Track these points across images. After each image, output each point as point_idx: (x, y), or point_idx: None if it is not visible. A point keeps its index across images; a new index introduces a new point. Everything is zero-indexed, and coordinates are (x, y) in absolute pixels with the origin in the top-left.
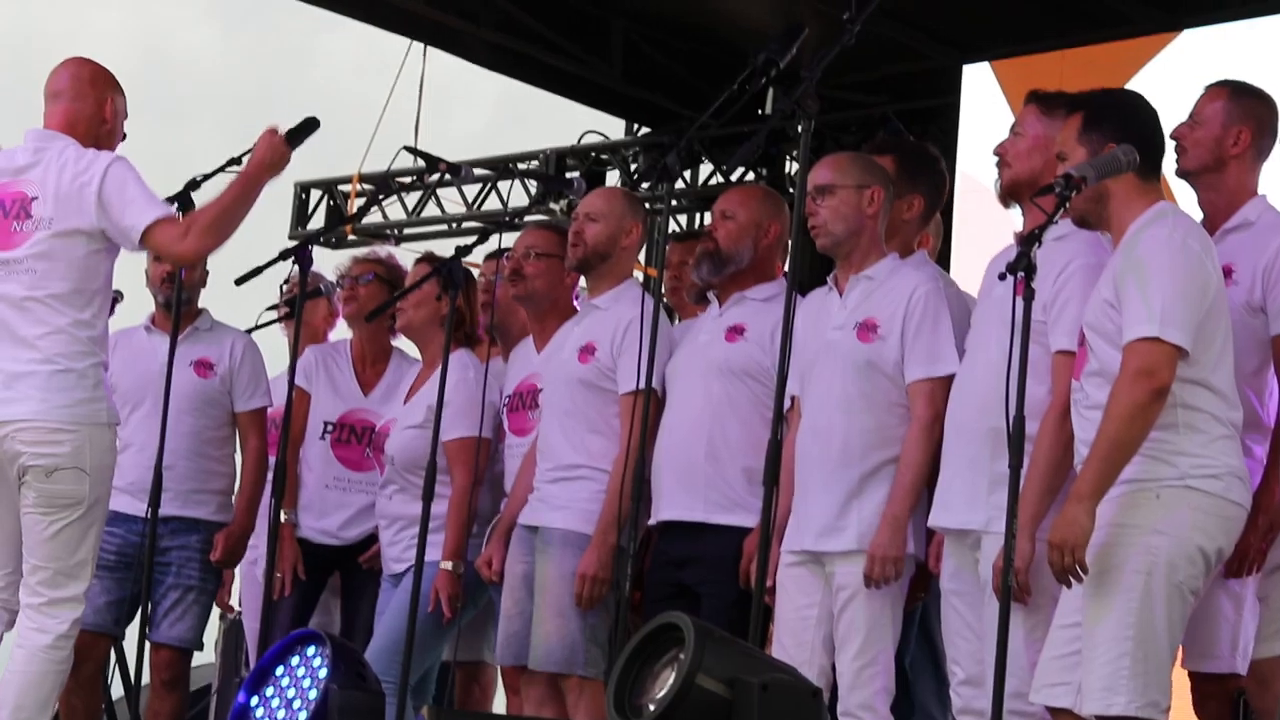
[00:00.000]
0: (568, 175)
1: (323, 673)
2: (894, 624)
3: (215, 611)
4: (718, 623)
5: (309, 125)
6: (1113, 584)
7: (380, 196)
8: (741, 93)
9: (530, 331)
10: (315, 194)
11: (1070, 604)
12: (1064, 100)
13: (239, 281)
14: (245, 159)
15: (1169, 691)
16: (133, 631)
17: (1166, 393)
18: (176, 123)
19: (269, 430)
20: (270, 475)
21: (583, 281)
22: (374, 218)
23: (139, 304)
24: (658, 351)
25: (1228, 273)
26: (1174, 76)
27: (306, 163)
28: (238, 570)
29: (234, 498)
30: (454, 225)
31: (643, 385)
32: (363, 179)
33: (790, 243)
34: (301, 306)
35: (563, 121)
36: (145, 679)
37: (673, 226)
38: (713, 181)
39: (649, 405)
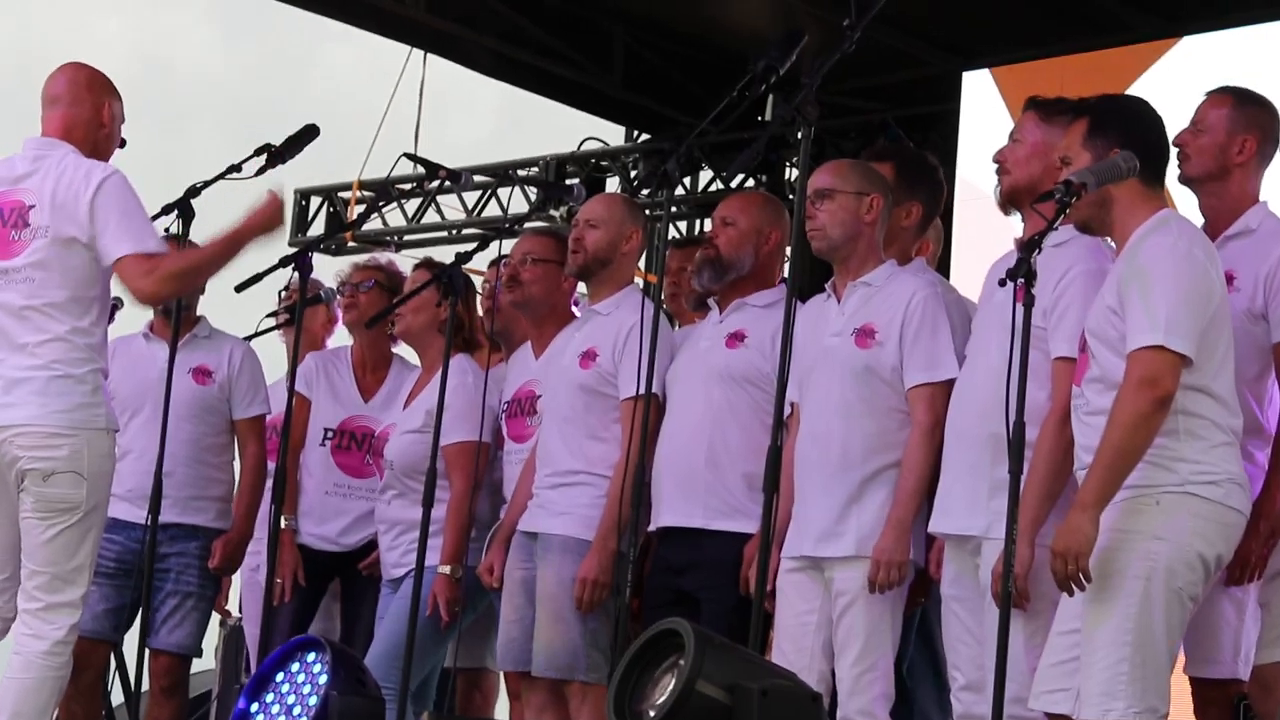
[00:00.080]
0: (568, 182)
1: (323, 679)
2: (893, 629)
3: (215, 618)
4: (717, 629)
5: (308, 133)
6: (1112, 589)
7: (380, 203)
8: (741, 99)
9: (529, 338)
10: (315, 200)
11: (1069, 610)
12: (1064, 106)
13: (239, 288)
14: (245, 165)
15: (1167, 697)
16: (133, 638)
17: (1170, 401)
18: (176, 130)
19: (269, 437)
20: (270, 481)
21: (582, 287)
22: (374, 224)
23: (138, 311)
24: (659, 357)
25: (1229, 279)
26: (1174, 83)
27: (306, 169)
28: (237, 576)
29: (233, 504)
30: (454, 232)
31: (643, 390)
32: (363, 185)
33: (790, 249)
34: (301, 313)
35: (562, 128)
36: (145, 686)
37: (672, 233)
38: (713, 188)
39: (649, 410)
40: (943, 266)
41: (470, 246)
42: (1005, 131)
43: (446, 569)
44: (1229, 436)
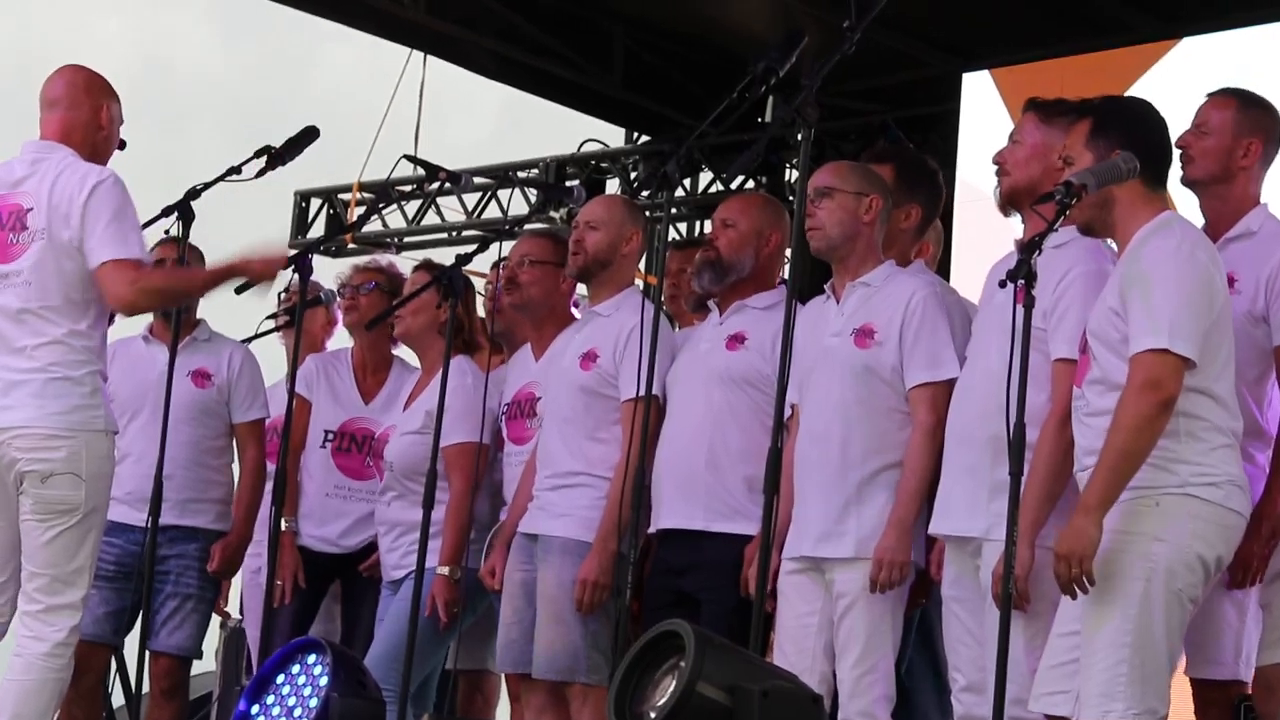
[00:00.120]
0: (568, 183)
1: (323, 681)
2: (894, 631)
3: (216, 620)
4: (718, 630)
5: (308, 135)
6: (1112, 591)
7: (380, 205)
8: (741, 101)
9: (529, 339)
10: (315, 202)
11: (1069, 612)
12: (1064, 107)
13: (239, 290)
14: (245, 167)
15: (1167, 699)
16: (133, 641)
17: (1174, 404)
18: (176, 131)
19: (270, 439)
20: (271, 483)
21: (582, 289)
22: (374, 226)
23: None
24: (659, 359)
25: (1230, 282)
26: (1174, 84)
27: (306, 171)
28: (237, 578)
29: (232, 508)
30: (454, 234)
31: (644, 392)
32: (363, 187)
33: (790, 251)
34: (301, 315)
35: (562, 130)
36: (146, 688)
37: (672, 234)
38: (713, 189)
39: (649, 412)
40: (943, 268)
41: (470, 248)
42: (1005, 133)
43: (445, 570)
44: (1229, 439)
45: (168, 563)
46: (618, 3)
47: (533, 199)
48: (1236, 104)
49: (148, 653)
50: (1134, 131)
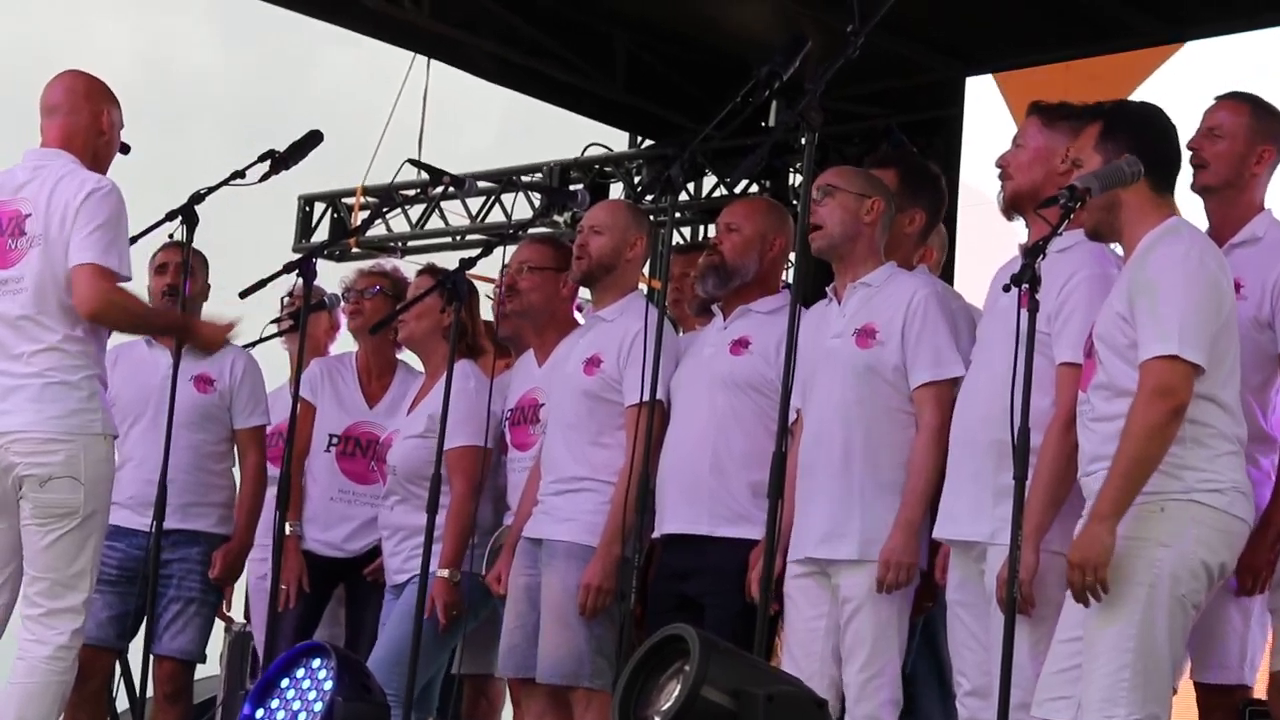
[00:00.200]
0: (571, 188)
1: (328, 685)
2: (900, 635)
3: (220, 624)
4: (722, 634)
5: (311, 139)
6: (1116, 596)
7: (384, 209)
8: (745, 105)
9: (532, 346)
10: (319, 206)
11: (1071, 618)
12: (1067, 111)
13: (244, 294)
14: (249, 171)
15: (1169, 705)
16: (137, 645)
17: (1184, 411)
18: (178, 135)
19: (275, 443)
20: (275, 487)
21: (585, 293)
22: (378, 230)
23: None
24: (664, 363)
25: (1236, 287)
26: (1177, 88)
27: (310, 175)
28: (243, 583)
29: (234, 514)
30: (458, 238)
31: (648, 397)
32: (366, 191)
33: (794, 255)
34: (305, 319)
35: (566, 134)
36: (150, 692)
37: (676, 238)
38: (717, 193)
39: (653, 417)
40: (946, 272)
41: (474, 252)
42: (1009, 137)
43: (444, 572)
44: (1234, 445)
45: (170, 567)
46: (621, 6)
47: (536, 203)
48: (1250, 110)
49: (151, 657)
50: (1143, 136)
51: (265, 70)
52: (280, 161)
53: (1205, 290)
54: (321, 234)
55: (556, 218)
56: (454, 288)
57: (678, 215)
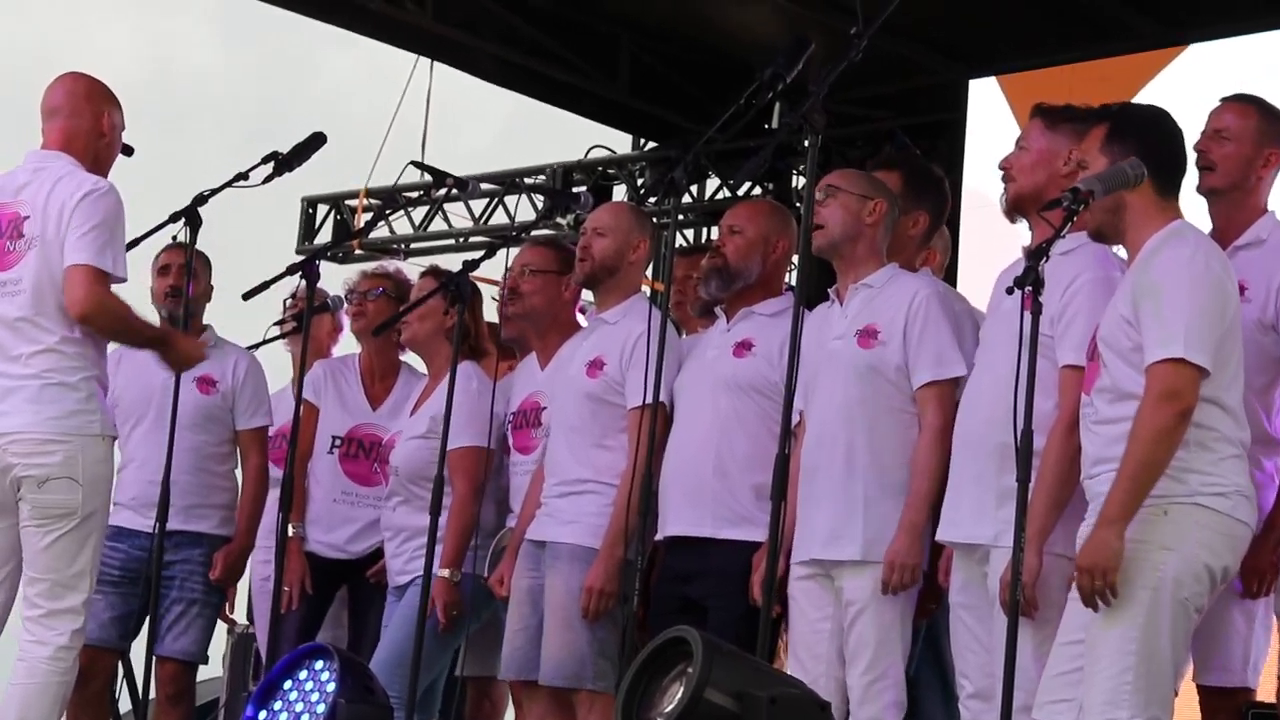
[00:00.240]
0: (574, 190)
1: (330, 687)
2: (903, 637)
3: (223, 625)
4: (725, 637)
5: (315, 141)
6: (1119, 599)
7: (387, 211)
8: (749, 107)
9: (534, 349)
10: (322, 208)
11: (1073, 621)
12: (1070, 114)
13: (247, 296)
14: (252, 173)
15: (1171, 708)
16: (140, 646)
17: (1191, 414)
18: (181, 137)
19: (278, 445)
20: (278, 489)
21: (588, 295)
22: (381, 232)
23: (149, 317)
24: (666, 365)
25: (1241, 290)
26: (1180, 91)
27: (313, 177)
28: (248, 584)
29: (235, 515)
30: (461, 240)
31: (651, 399)
32: (370, 193)
33: (798, 258)
34: (309, 321)
35: (569, 136)
36: (153, 693)
37: (679, 241)
38: (720, 196)
39: (656, 419)
40: (949, 275)
41: (477, 254)
42: (1012, 139)
43: (445, 572)
44: (1237, 449)
45: (173, 568)
46: (624, 8)
47: (540, 205)
48: (1257, 112)
49: (154, 658)
50: (1149, 139)
51: (266, 72)
52: (283, 163)
53: (1210, 293)
54: (324, 236)
55: (560, 220)
56: (457, 290)
57: (681, 217)
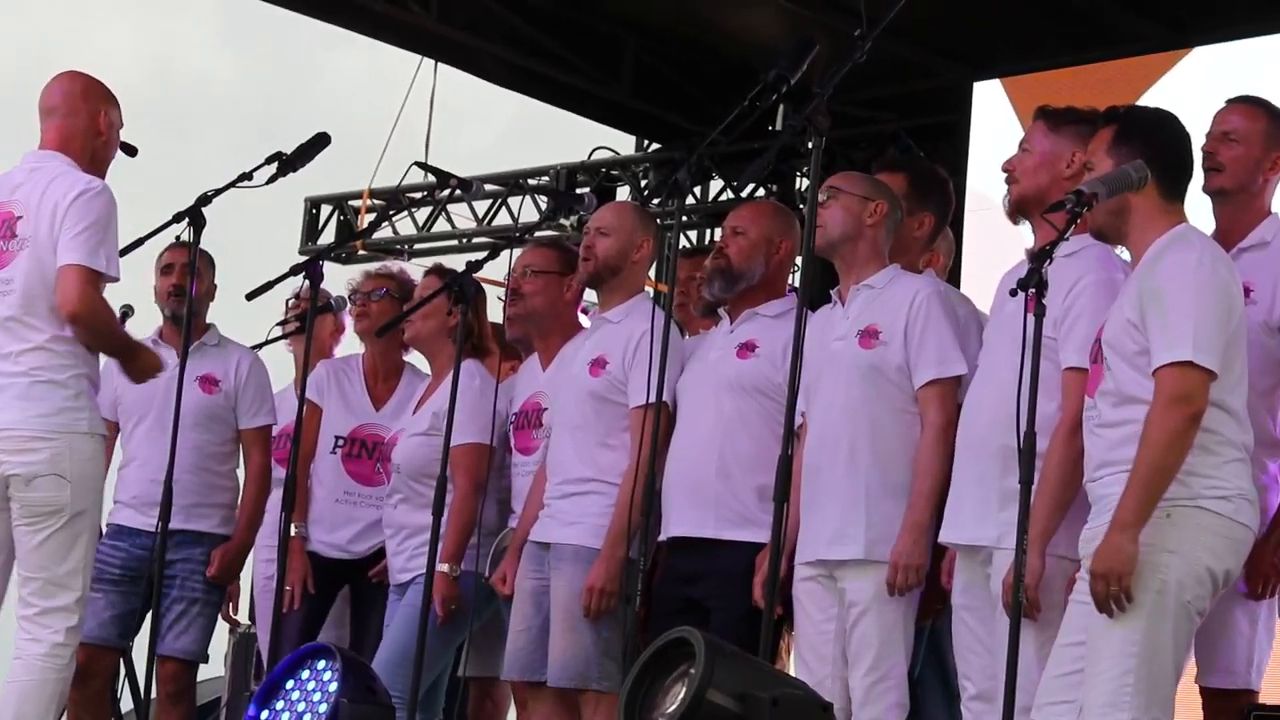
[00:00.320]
0: (578, 191)
1: (333, 686)
2: (906, 638)
3: (226, 625)
4: (727, 638)
5: (318, 141)
6: None
7: (391, 212)
8: (752, 109)
9: (536, 349)
10: (325, 209)
11: (1073, 623)
12: (1073, 116)
13: (250, 296)
14: (256, 174)
15: (1171, 710)
16: (142, 645)
17: (1201, 417)
18: (183, 138)
19: (282, 444)
20: (281, 489)
21: (591, 296)
22: (384, 233)
23: (148, 318)
24: (669, 365)
25: (1246, 292)
26: (1185, 94)
27: (316, 178)
28: (248, 583)
29: (236, 513)
30: (464, 241)
31: (654, 399)
32: (373, 194)
33: (801, 259)
34: (312, 321)
35: (572, 137)
36: (155, 692)
37: (683, 242)
38: (723, 197)
39: (659, 418)
40: (952, 277)
41: (481, 255)
42: (1015, 142)
43: (445, 567)
44: (1241, 452)
45: (174, 567)
46: (628, 10)
47: (543, 206)
48: (1265, 115)
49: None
50: (1156, 141)
51: (268, 72)
52: (287, 163)
53: (1216, 297)
54: (328, 236)
55: (563, 221)
56: (461, 290)
57: (684, 219)
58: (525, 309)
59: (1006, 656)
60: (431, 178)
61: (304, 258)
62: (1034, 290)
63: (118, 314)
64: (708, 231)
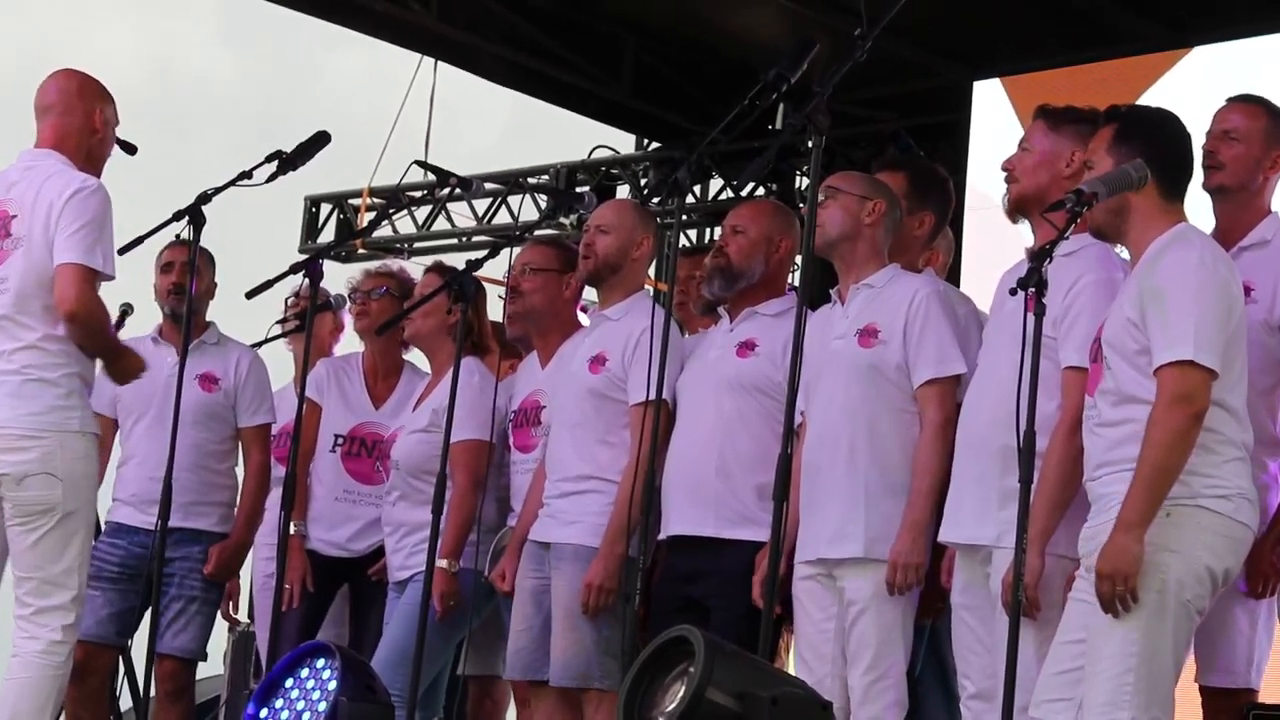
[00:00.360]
0: (578, 190)
1: (332, 685)
2: (905, 637)
3: (225, 623)
4: (727, 637)
5: (319, 140)
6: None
7: (390, 210)
8: (752, 108)
9: (535, 348)
10: (325, 208)
11: (1072, 620)
12: (1073, 115)
13: (250, 294)
14: (256, 172)
15: (1171, 709)
16: (141, 644)
17: (1204, 416)
18: (183, 138)
19: (281, 443)
20: (281, 487)
21: (590, 294)
22: (384, 231)
23: (147, 316)
24: (669, 363)
25: (1246, 290)
26: (1184, 94)
27: (316, 176)
28: (248, 582)
29: (235, 511)
30: (464, 239)
31: (653, 396)
32: (373, 193)
33: (801, 258)
34: (312, 319)
35: (573, 136)
36: (154, 690)
37: (683, 241)
38: (723, 196)
39: (659, 416)
40: (952, 276)
41: (481, 254)
42: (1015, 141)
43: (443, 563)
44: (1240, 451)
45: (172, 565)
46: (628, 9)
47: (543, 205)
48: (1266, 114)
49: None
50: (1156, 140)
51: (268, 71)
52: (287, 162)
53: (1217, 296)
54: (328, 235)
55: (563, 219)
56: (461, 288)
57: (684, 218)
58: (525, 307)
59: (1006, 655)
60: (431, 176)
61: (304, 256)
62: (1034, 289)
63: (118, 312)
64: (707, 230)
